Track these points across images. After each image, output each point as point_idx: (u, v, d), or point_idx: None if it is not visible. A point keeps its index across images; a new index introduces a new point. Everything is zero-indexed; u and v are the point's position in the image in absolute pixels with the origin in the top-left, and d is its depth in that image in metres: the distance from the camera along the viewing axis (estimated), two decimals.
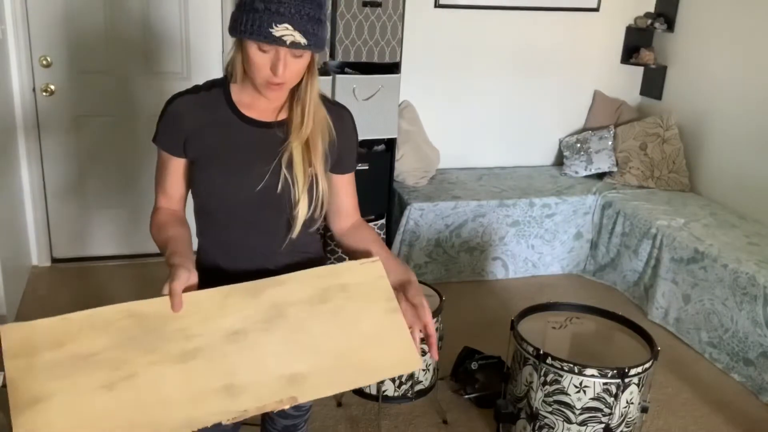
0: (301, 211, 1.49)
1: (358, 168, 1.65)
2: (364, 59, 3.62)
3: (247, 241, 1.55)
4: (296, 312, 1.40)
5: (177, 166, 1.54)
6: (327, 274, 1.46)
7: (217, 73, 4.10)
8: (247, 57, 1.39)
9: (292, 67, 1.39)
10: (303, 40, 1.35)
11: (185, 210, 1.61)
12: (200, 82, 1.56)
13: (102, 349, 1.30)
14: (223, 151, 1.49)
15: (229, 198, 1.50)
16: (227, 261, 1.57)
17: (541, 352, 2.35)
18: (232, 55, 1.46)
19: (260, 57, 1.38)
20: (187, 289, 1.33)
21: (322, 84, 1.57)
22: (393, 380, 2.73)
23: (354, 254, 1.60)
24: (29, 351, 1.29)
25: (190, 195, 1.59)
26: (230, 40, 1.45)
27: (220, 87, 1.52)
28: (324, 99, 1.54)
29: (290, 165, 1.48)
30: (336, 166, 1.58)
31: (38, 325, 1.31)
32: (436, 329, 2.75)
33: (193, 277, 1.35)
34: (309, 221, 1.54)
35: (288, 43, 1.34)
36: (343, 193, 1.62)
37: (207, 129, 1.49)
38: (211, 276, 1.55)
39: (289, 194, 1.49)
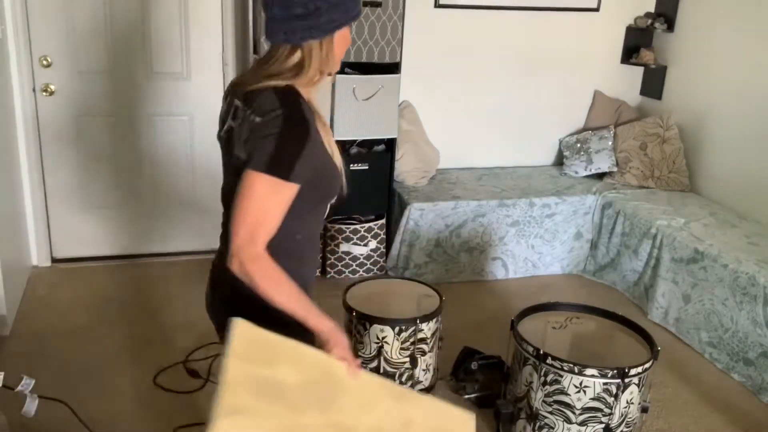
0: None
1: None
2: (364, 59, 3.62)
3: (319, 232, 1.66)
4: None
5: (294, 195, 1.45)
6: (456, 417, 1.54)
7: (217, 74, 4.13)
8: (343, 42, 1.46)
9: None
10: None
11: None
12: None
13: (293, 385, 1.33)
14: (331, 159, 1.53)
15: (334, 199, 1.58)
16: (312, 253, 1.64)
17: (541, 352, 2.35)
18: (292, 65, 1.42)
19: (349, 37, 1.47)
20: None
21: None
22: (393, 379, 2.73)
23: None
24: (250, 357, 1.30)
25: None
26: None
27: (300, 98, 1.45)
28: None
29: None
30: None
31: (264, 335, 1.34)
32: (436, 329, 2.76)
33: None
34: None
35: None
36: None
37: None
38: (302, 268, 1.56)
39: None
